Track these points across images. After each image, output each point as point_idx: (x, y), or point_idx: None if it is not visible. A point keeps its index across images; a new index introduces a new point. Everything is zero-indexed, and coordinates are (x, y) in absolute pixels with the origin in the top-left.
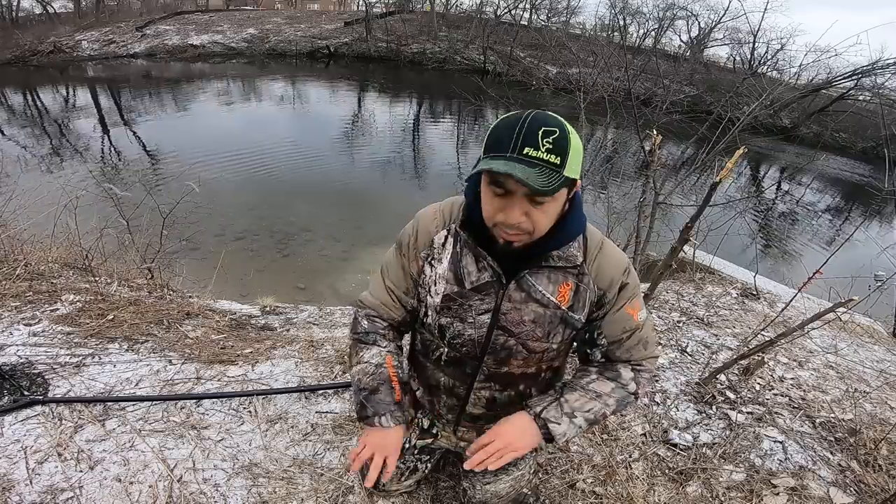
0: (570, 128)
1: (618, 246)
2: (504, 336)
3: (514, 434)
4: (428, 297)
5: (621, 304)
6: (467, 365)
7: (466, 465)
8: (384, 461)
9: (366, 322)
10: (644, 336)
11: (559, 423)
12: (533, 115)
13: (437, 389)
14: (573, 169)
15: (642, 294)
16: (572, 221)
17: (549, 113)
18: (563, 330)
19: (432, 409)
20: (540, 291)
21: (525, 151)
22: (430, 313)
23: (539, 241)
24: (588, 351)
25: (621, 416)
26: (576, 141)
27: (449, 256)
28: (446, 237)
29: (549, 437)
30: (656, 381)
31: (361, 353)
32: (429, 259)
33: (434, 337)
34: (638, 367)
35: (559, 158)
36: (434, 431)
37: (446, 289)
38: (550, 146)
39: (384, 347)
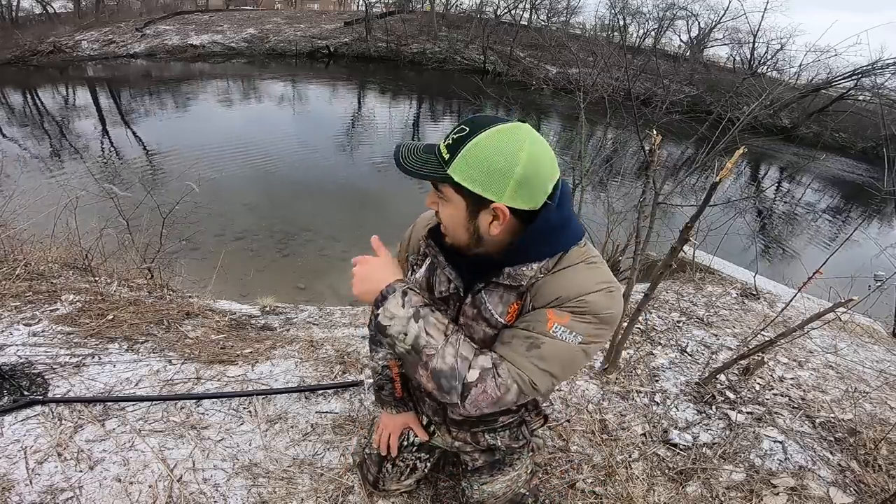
0: (499, 144)
1: (617, 246)
2: None
3: (370, 271)
4: None
5: (545, 305)
6: None
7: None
8: (389, 436)
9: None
10: (541, 343)
11: (396, 308)
12: (472, 116)
13: (418, 391)
14: (473, 178)
15: (601, 323)
16: (534, 243)
17: (494, 117)
18: None
19: (421, 409)
20: (489, 310)
21: (439, 142)
22: None
23: (497, 257)
24: None
25: (621, 416)
26: (492, 157)
27: (428, 263)
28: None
29: (378, 303)
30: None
31: (374, 353)
32: (412, 264)
33: None
34: (498, 363)
35: (448, 155)
36: (432, 429)
37: None
38: (450, 142)
39: (387, 350)
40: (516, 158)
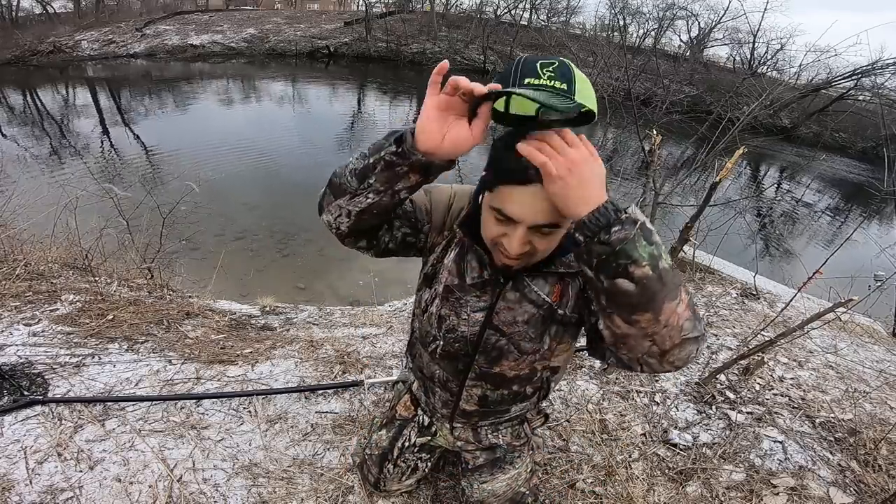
0: (572, 64)
1: None
2: (496, 336)
3: (585, 169)
4: (435, 283)
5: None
6: (460, 361)
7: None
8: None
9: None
10: None
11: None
12: (528, 57)
13: (431, 382)
14: (586, 96)
15: None
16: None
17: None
18: (554, 329)
19: (428, 402)
20: (535, 292)
21: (526, 81)
22: (433, 302)
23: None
24: (596, 325)
25: (621, 416)
26: (581, 74)
27: (458, 249)
28: (449, 239)
29: (616, 210)
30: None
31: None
32: (448, 243)
33: (432, 327)
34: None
35: (565, 85)
36: (433, 430)
37: (448, 279)
38: (552, 73)
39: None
40: (578, 71)
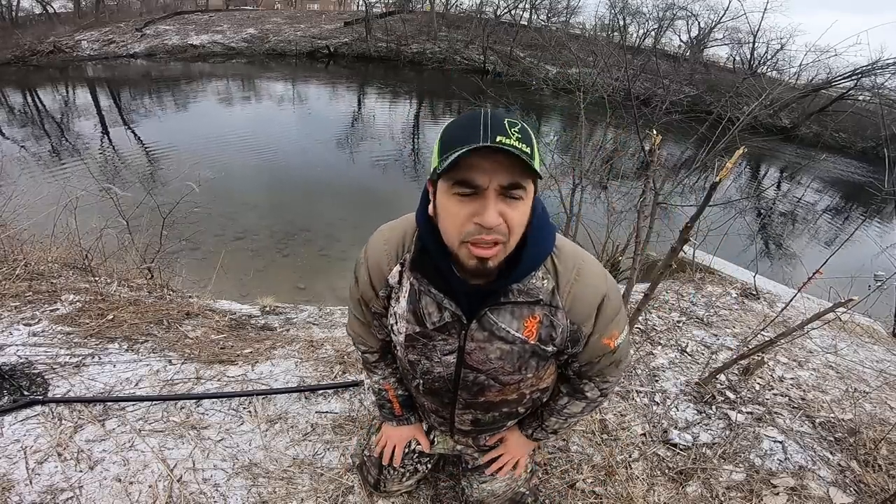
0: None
1: (617, 246)
2: (473, 373)
3: (517, 448)
4: (392, 334)
5: (597, 336)
6: (443, 395)
7: (487, 472)
8: (394, 448)
9: (361, 347)
10: (618, 357)
11: (546, 438)
12: (492, 111)
13: (422, 409)
14: (539, 161)
15: (625, 314)
16: (533, 243)
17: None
18: (535, 362)
19: (426, 420)
20: (503, 329)
21: (498, 139)
22: (398, 349)
23: (499, 276)
24: (562, 369)
25: (621, 416)
26: (530, 131)
27: (406, 294)
28: (401, 273)
29: (539, 443)
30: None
31: (370, 377)
32: (388, 297)
33: (407, 372)
34: (605, 383)
35: (529, 148)
36: (432, 437)
37: (408, 328)
38: (519, 136)
39: (382, 375)
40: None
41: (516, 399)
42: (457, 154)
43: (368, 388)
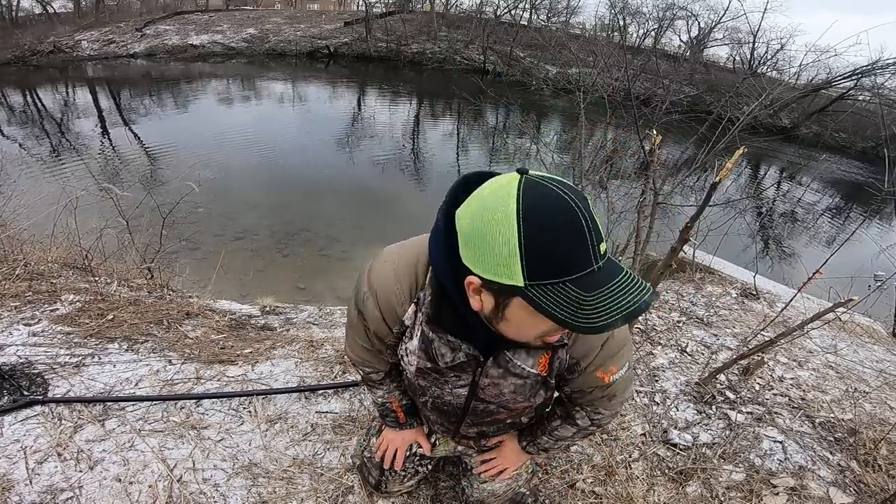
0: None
1: (617, 246)
2: (483, 404)
3: (511, 456)
4: (401, 363)
5: (592, 368)
6: (451, 415)
7: (475, 471)
8: (395, 452)
9: (365, 370)
10: (612, 392)
11: (537, 454)
12: (586, 210)
13: (427, 420)
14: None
15: (630, 351)
16: None
17: (551, 177)
18: (544, 391)
19: (428, 426)
20: (519, 366)
21: (601, 250)
22: (407, 374)
23: None
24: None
25: (621, 416)
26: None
27: (419, 333)
28: (416, 312)
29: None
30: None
31: (370, 391)
32: (402, 332)
33: (415, 390)
34: (597, 414)
35: (605, 244)
36: (433, 440)
37: (419, 363)
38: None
39: (386, 390)
40: None
41: (523, 414)
42: (572, 290)
43: (372, 403)
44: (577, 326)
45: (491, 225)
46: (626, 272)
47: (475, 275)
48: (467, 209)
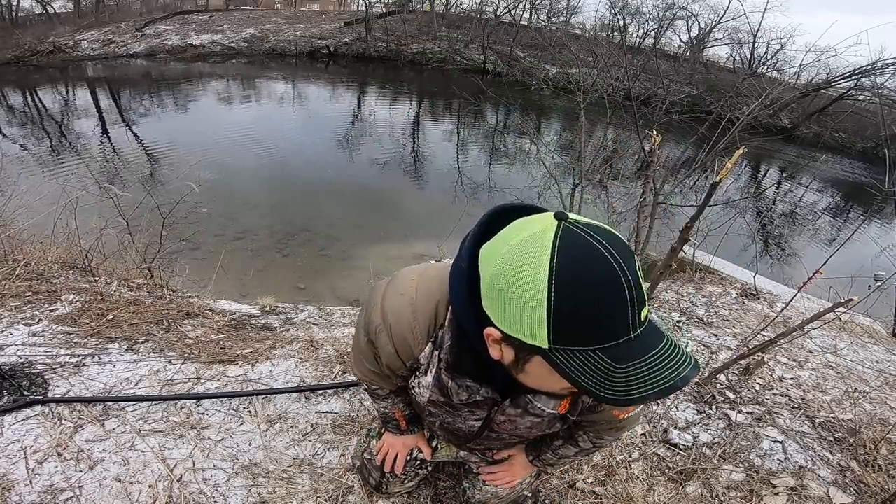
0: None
1: None
2: (496, 433)
3: (519, 468)
4: (411, 392)
5: (611, 409)
6: (461, 438)
7: (481, 478)
8: (396, 455)
9: (371, 386)
10: (622, 426)
11: (542, 469)
12: (621, 253)
13: (434, 434)
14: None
15: None
16: None
17: (606, 230)
18: (561, 424)
19: (430, 431)
20: (539, 408)
21: (642, 316)
22: (417, 399)
23: None
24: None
25: None
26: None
27: (434, 371)
28: (433, 351)
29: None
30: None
31: (374, 402)
32: (415, 368)
33: (424, 413)
34: (600, 440)
35: (647, 308)
36: (434, 444)
37: (432, 396)
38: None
39: (391, 402)
40: None
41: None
42: (601, 360)
43: (374, 411)
44: (602, 397)
45: (518, 283)
46: (667, 340)
47: (496, 327)
48: (494, 254)
